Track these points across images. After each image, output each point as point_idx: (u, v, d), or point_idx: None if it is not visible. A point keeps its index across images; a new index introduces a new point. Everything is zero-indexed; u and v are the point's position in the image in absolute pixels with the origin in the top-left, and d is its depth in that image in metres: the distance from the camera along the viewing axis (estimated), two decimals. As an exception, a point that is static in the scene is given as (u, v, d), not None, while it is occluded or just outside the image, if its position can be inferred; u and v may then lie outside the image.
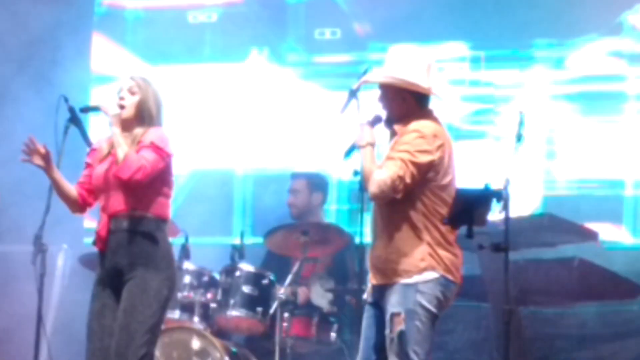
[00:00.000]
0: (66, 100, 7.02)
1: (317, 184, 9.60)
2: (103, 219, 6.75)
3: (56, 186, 6.86)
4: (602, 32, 10.31)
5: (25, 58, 10.67)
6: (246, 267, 8.63)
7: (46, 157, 6.78)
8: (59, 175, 6.81)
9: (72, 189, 6.83)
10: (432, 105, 6.63)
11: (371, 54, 10.85)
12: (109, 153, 6.73)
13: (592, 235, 8.65)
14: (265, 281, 8.58)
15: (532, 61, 10.69)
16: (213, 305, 8.47)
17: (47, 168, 6.80)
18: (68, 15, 11.17)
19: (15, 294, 8.92)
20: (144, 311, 6.65)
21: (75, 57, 10.87)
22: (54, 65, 10.64)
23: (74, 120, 7.00)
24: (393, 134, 6.45)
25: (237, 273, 8.52)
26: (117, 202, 6.70)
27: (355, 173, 6.51)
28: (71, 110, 7.01)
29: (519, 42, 10.53)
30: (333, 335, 8.71)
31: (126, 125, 6.72)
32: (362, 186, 6.54)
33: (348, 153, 6.64)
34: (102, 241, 6.69)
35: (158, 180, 6.74)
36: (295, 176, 9.70)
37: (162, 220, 6.79)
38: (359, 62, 10.67)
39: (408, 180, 6.20)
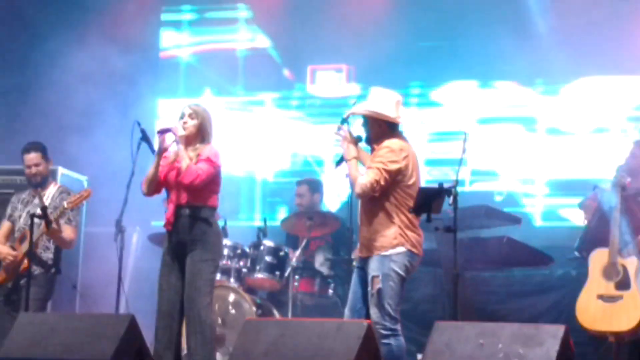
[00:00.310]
0: (139, 124, 7.16)
1: (315, 187, 9.56)
2: (170, 208, 6.88)
3: (157, 167, 6.88)
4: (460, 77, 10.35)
5: (110, 91, 10.43)
6: (268, 242, 8.72)
7: (167, 147, 6.83)
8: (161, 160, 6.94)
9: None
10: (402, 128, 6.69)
11: (295, 92, 11.01)
12: (175, 161, 6.84)
13: (516, 220, 8.56)
14: (281, 253, 8.68)
15: (407, 97, 10.37)
16: (244, 270, 8.57)
17: (163, 150, 6.87)
18: (141, 59, 10.92)
19: (102, 263, 8.61)
20: (205, 272, 6.81)
21: (146, 91, 10.74)
22: (131, 97, 10.41)
23: (144, 138, 7.14)
24: (372, 149, 6.62)
25: (262, 247, 8.63)
26: (182, 196, 6.84)
27: (347, 176, 6.65)
28: (142, 131, 7.14)
29: (401, 84, 10.10)
30: (330, 291, 8.82)
31: (189, 141, 6.84)
32: (351, 186, 6.64)
33: (338, 163, 6.77)
34: (170, 224, 6.84)
35: (211, 182, 6.85)
36: (299, 183, 9.58)
37: (214, 209, 6.94)
38: (287, 97, 10.97)
39: (382, 182, 6.39)
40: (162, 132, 6.94)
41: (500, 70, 10.13)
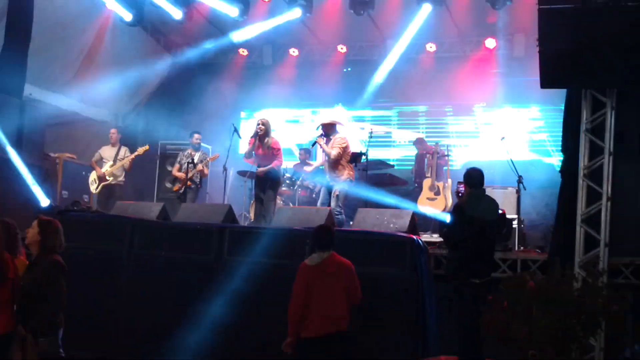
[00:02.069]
0: (233, 124, 9.20)
1: (305, 151, 10.84)
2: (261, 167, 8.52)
3: (252, 149, 8.11)
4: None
5: (222, 118, 11.91)
6: (287, 174, 10.19)
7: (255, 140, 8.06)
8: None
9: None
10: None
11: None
12: (258, 146, 8.51)
13: (392, 166, 10.41)
14: (293, 178, 10.36)
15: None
16: (277, 186, 9.57)
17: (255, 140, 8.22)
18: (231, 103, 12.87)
19: (217, 183, 9.81)
20: (274, 197, 8.59)
21: (236, 111, 13.08)
22: (230, 113, 12.30)
23: (236, 131, 9.08)
24: (328, 140, 8.33)
25: (284, 176, 10.02)
26: (264, 162, 8.62)
27: (319, 146, 8.26)
28: (235, 129, 9.06)
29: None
30: (314, 196, 10.25)
31: (261, 137, 8.67)
32: (325, 153, 8.18)
33: (313, 145, 8.35)
34: (262, 172, 8.30)
35: (278, 155, 8.72)
36: (299, 149, 10.88)
37: (279, 166, 8.63)
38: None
39: (342, 153, 8.23)
40: (256, 136, 8.36)
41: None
